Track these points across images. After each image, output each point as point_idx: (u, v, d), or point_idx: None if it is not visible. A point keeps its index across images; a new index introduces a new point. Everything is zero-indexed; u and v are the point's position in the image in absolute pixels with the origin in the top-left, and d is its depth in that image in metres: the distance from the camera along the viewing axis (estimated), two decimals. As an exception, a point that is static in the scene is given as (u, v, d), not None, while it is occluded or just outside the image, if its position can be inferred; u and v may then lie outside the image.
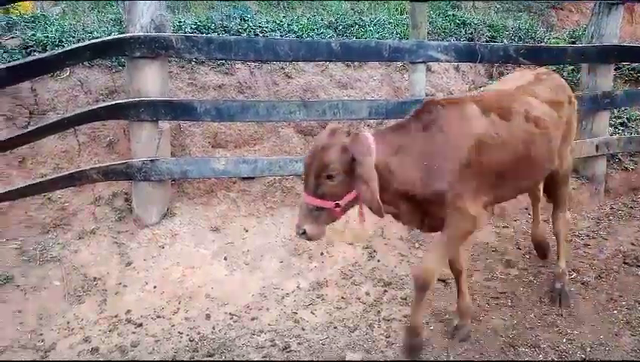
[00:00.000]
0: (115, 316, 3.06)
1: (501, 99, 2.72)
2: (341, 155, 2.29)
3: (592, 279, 3.47)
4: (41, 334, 2.91)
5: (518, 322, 3.05)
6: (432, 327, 3.01)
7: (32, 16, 4.60)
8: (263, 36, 4.27)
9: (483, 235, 3.91)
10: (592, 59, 4.29)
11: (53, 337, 2.90)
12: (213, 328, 3.03)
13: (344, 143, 2.31)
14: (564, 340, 2.90)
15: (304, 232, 2.34)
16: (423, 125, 2.49)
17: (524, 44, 4.77)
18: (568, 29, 6.02)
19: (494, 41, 4.94)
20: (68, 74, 3.78)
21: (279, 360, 2.77)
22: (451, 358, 2.76)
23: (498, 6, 6.56)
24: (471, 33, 4.96)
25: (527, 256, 3.76)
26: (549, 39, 5.32)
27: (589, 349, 2.82)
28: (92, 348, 2.84)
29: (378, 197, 2.27)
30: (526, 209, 4.22)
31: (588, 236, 4.03)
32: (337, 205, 2.32)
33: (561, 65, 4.83)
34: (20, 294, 3.07)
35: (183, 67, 4.06)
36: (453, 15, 5.22)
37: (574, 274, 3.51)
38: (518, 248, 3.86)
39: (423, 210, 2.55)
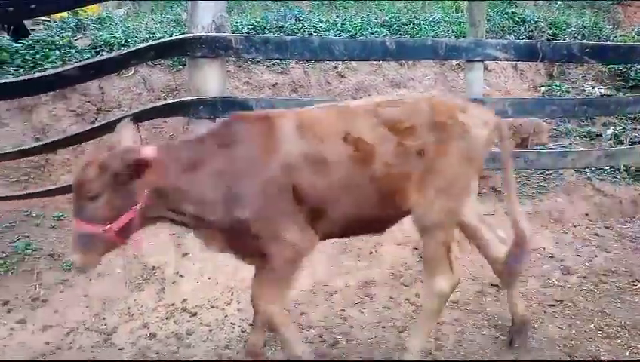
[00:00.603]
0: (172, 304, 3.19)
1: (322, 117, 2.36)
2: (99, 173, 2.06)
3: (659, 290, 3.28)
4: (104, 318, 3.08)
5: (576, 332, 2.93)
6: (484, 332, 2.94)
7: (99, 18, 4.88)
8: (317, 35, 4.31)
9: (539, 241, 3.77)
10: (664, 58, 4.05)
11: (115, 321, 3.06)
12: (264, 321, 3.10)
13: (101, 160, 2.09)
14: (627, 353, 2.75)
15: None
16: (223, 140, 2.24)
17: (588, 41, 4.57)
18: (637, 26, 5.70)
19: (556, 39, 4.75)
20: (132, 72, 3.98)
21: (329, 359, 2.79)
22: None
23: (560, 2, 6.30)
24: (531, 31, 4.81)
25: (588, 264, 3.59)
26: (615, 37, 5.07)
27: (654, 364, 2.67)
28: (150, 334, 2.98)
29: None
30: (586, 215, 4.04)
31: (655, 245, 3.80)
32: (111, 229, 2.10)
33: (629, 65, 4.58)
34: (85, 280, 3.25)
35: (240, 66, 4.18)
36: (513, 12, 5.07)
37: (639, 285, 3.33)
38: (578, 255, 3.70)
39: (230, 239, 2.28)
